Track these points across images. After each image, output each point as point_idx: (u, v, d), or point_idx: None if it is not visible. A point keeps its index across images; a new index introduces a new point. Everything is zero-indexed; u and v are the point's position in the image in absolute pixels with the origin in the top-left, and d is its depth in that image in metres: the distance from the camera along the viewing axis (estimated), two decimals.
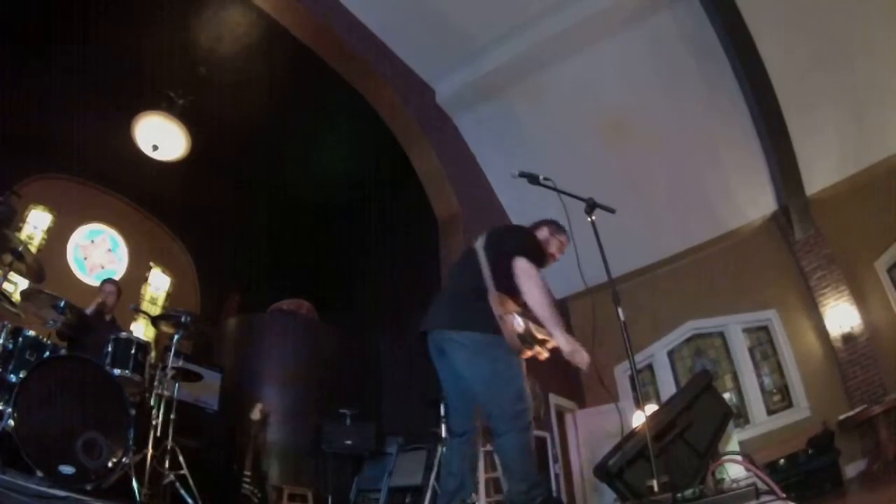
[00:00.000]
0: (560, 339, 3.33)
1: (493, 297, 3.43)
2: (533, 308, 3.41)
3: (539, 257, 3.65)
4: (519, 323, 3.40)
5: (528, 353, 3.48)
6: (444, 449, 3.75)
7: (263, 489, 7.53)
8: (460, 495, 3.55)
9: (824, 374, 8.47)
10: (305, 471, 8.22)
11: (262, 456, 7.94)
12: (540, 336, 3.49)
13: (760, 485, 2.49)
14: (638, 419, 3.73)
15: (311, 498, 7.82)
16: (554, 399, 9.67)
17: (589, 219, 3.72)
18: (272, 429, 8.27)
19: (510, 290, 3.49)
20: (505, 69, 8.94)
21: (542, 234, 3.97)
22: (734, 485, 3.79)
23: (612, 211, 3.70)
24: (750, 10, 7.50)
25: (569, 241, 4.02)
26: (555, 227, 4.01)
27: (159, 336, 7.76)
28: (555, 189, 3.74)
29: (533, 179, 3.77)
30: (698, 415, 4.34)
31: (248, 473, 7.36)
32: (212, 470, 7.03)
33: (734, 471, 4.86)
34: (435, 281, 8.51)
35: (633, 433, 3.98)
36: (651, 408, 7.08)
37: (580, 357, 3.31)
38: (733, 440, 5.24)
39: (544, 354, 3.57)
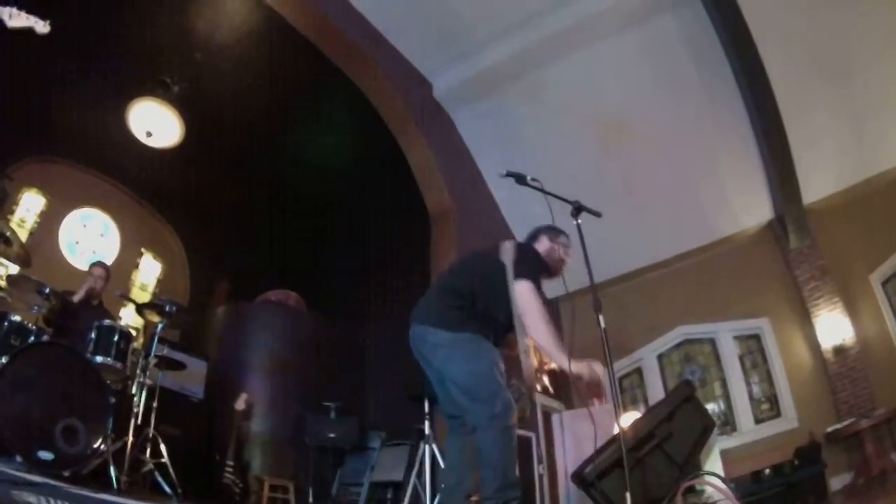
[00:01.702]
0: (567, 368, 3.28)
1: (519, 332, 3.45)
2: (534, 338, 3.42)
3: (542, 273, 3.65)
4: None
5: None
6: (447, 439, 3.73)
7: (245, 479, 7.52)
8: (460, 491, 3.51)
9: (814, 385, 8.44)
10: (288, 462, 8.22)
11: (245, 446, 7.93)
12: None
13: None
14: (617, 427, 3.69)
15: (292, 490, 7.80)
16: (540, 399, 9.63)
17: (575, 222, 3.67)
18: (256, 419, 8.26)
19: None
20: (503, 66, 8.88)
21: (543, 245, 3.88)
22: None
23: (598, 215, 3.64)
24: (753, 15, 7.41)
25: (569, 240, 3.93)
26: (552, 232, 3.92)
27: (147, 323, 7.75)
28: (541, 190, 3.69)
29: (520, 179, 3.71)
30: (679, 426, 4.31)
31: (230, 463, 7.36)
32: (194, 458, 7.03)
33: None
34: (424, 276, 8.49)
35: (611, 440, 3.95)
36: (635, 414, 7.04)
37: (592, 373, 3.29)
38: (715, 452, 5.21)
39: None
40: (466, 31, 8.68)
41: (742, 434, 8.84)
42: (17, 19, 3.57)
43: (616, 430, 3.62)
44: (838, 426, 7.66)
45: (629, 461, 3.16)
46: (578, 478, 3.99)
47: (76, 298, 5.96)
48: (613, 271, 10.09)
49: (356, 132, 9.62)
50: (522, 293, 3.41)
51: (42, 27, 3.60)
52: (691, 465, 4.29)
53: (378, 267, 10.28)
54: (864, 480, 7.12)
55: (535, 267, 3.62)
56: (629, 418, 4.87)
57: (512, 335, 3.57)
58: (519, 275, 3.46)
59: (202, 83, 9.09)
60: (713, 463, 5.43)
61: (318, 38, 7.99)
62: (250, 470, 7.81)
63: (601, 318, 3.39)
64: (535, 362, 3.37)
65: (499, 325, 3.53)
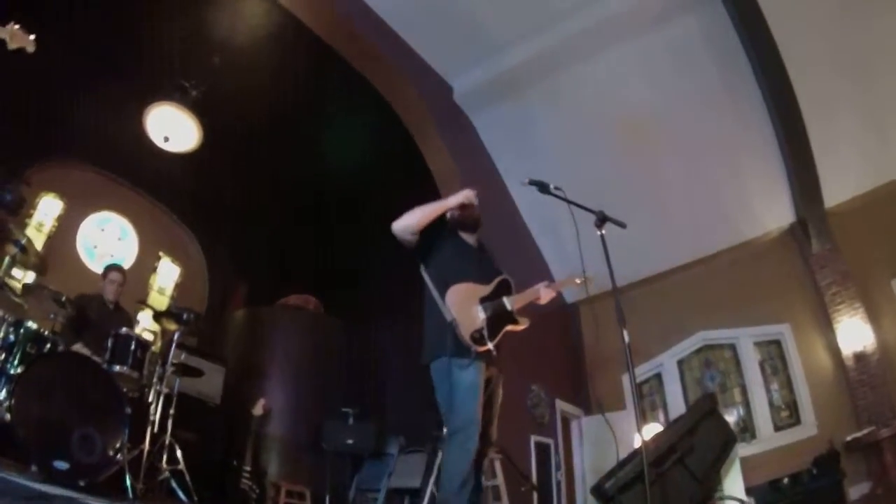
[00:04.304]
0: (448, 205, 3.83)
1: (449, 298, 3.52)
2: (410, 221, 3.78)
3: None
4: (480, 314, 3.49)
5: (495, 342, 3.48)
6: None
7: (262, 485, 7.51)
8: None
9: (834, 392, 8.32)
10: (305, 468, 8.20)
11: (262, 451, 7.94)
12: (515, 306, 3.65)
13: None
14: (639, 440, 3.64)
15: (309, 496, 7.80)
16: (560, 405, 9.60)
17: (598, 232, 3.63)
18: (273, 424, 8.25)
19: (455, 278, 3.61)
20: (524, 68, 8.85)
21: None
22: None
23: (622, 226, 3.61)
24: (775, 16, 7.36)
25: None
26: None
27: (164, 329, 7.74)
28: (565, 199, 3.69)
29: (543, 188, 3.72)
30: (700, 440, 4.26)
31: (247, 468, 7.36)
32: (210, 464, 7.02)
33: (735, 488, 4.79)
34: None
35: (633, 455, 3.90)
36: (656, 427, 6.98)
37: (462, 196, 3.76)
38: (735, 463, 5.14)
39: (522, 325, 3.69)
40: (486, 32, 8.63)
41: (761, 441, 8.74)
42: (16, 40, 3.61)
43: (637, 443, 3.57)
44: (858, 434, 7.57)
45: (650, 476, 3.09)
46: (599, 491, 3.95)
47: (110, 302, 5.98)
48: (634, 275, 10.02)
49: (375, 136, 9.57)
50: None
51: (31, 46, 3.65)
52: (712, 480, 4.24)
53: (396, 272, 10.22)
54: (883, 490, 7.02)
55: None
56: (651, 431, 4.84)
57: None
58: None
59: (220, 87, 9.06)
60: (733, 473, 5.36)
61: (337, 42, 7.97)
62: (267, 476, 7.81)
63: (626, 333, 3.33)
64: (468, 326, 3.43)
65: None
